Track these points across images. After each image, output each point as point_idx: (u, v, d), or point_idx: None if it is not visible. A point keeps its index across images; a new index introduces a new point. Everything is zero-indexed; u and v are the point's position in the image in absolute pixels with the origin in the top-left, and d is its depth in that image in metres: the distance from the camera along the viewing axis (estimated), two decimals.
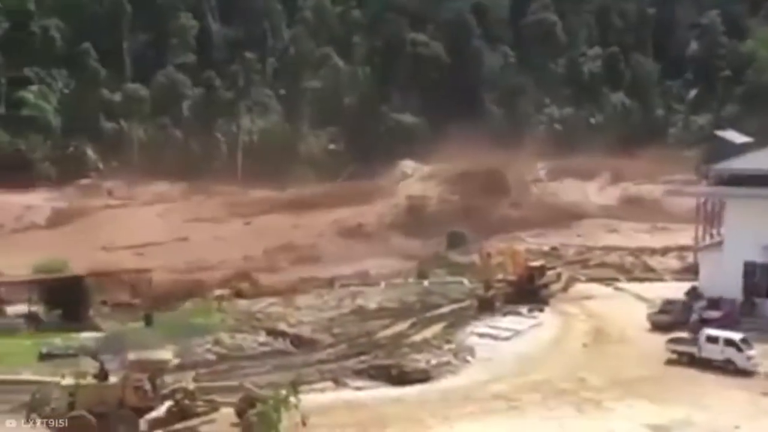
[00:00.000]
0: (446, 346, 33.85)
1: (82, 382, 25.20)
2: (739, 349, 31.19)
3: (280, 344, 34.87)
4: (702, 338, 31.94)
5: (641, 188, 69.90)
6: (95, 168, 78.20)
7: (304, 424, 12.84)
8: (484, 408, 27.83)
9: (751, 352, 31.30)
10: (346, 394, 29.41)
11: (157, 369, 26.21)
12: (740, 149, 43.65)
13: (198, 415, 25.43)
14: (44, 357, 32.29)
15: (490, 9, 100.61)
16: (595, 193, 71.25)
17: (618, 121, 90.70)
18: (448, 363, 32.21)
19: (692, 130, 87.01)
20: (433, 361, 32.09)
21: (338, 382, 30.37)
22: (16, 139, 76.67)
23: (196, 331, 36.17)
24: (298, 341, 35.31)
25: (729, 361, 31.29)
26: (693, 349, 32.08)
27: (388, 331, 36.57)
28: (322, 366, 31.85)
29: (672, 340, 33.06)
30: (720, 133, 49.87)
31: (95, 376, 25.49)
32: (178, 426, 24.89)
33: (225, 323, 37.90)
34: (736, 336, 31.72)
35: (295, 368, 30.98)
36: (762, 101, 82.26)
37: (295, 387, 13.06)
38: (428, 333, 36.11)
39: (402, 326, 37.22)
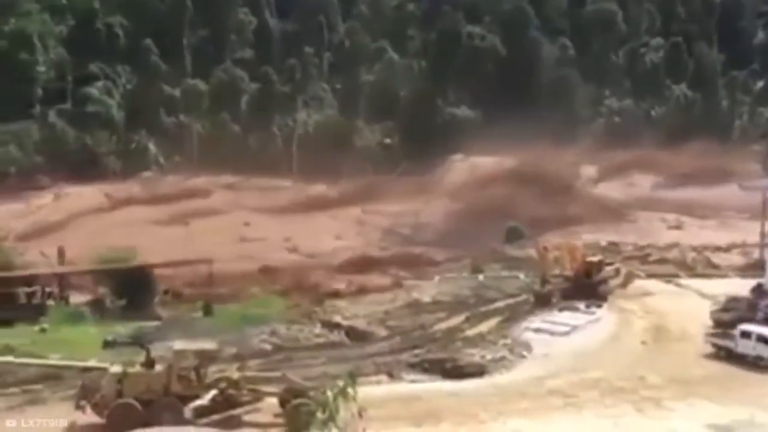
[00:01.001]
0: (501, 341, 33.63)
1: (130, 370, 25.79)
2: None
3: (335, 336, 35.16)
4: (737, 333, 31.49)
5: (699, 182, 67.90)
6: (156, 162, 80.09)
7: (360, 415, 12.92)
8: (540, 404, 27.54)
9: None
10: (400, 387, 29.51)
11: (202, 358, 26.40)
12: None
13: (242, 404, 25.76)
14: (108, 345, 33.28)
15: None
16: (651, 188, 69.50)
17: (680, 113, 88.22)
18: (503, 358, 31.99)
19: (759, 122, 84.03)
20: (488, 356, 31.92)
21: (393, 375, 30.48)
22: (82, 134, 79.12)
23: (253, 321, 36.76)
24: (353, 333, 35.56)
25: (759, 357, 30.83)
26: (731, 344, 31.56)
27: (443, 325, 36.51)
28: (376, 358, 31.99)
29: (712, 334, 32.53)
30: None
31: (142, 364, 26.06)
32: (223, 414, 25.22)
33: (283, 314, 38.41)
34: (761, 330, 31.16)
35: (349, 360, 31.20)
36: None
37: (353, 378, 13.16)
38: (483, 327, 35.91)
39: (456, 320, 37.11)
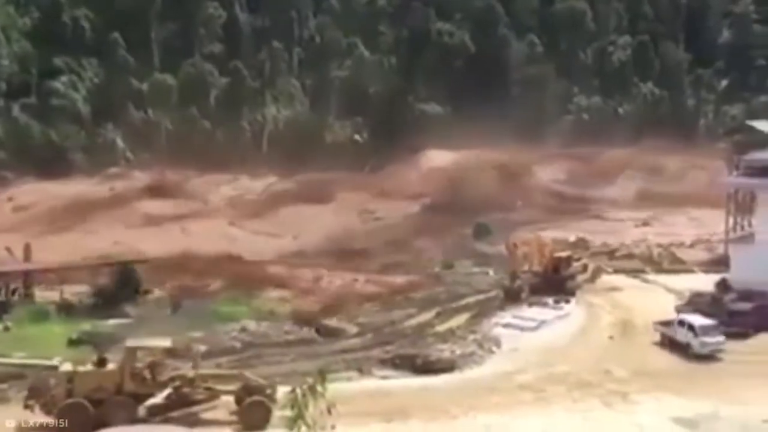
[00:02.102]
0: (471, 337, 33.82)
1: (80, 368, 25.32)
2: (695, 335, 31.48)
3: (306, 333, 35.07)
4: (676, 322, 32.54)
5: (665, 179, 68.93)
6: (124, 157, 79.04)
7: (330, 412, 12.90)
8: (509, 399, 27.76)
9: (709, 339, 31.42)
10: (370, 383, 29.53)
11: (156, 356, 26.11)
12: None
13: (198, 402, 25.52)
14: (73, 343, 32.77)
15: None
16: (621, 184, 70.30)
17: (647, 111, 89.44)
18: (473, 353, 32.18)
19: (723, 120, 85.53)
20: (458, 351, 32.08)
21: (363, 371, 30.50)
22: (47, 129, 77.74)
23: (223, 318, 36.50)
24: (324, 330, 35.48)
25: (688, 345, 31.79)
26: (671, 332, 32.60)
27: (413, 321, 36.60)
28: (347, 355, 31.99)
29: (659, 322, 33.35)
30: (752, 123, 49.02)
31: (94, 363, 25.64)
32: (178, 413, 24.99)
33: (253, 311, 38.18)
34: (699, 321, 32.18)
35: (320, 357, 31.14)
36: None
37: (323, 375, 13.12)
38: (453, 323, 36.08)
39: (427, 316, 37.23)
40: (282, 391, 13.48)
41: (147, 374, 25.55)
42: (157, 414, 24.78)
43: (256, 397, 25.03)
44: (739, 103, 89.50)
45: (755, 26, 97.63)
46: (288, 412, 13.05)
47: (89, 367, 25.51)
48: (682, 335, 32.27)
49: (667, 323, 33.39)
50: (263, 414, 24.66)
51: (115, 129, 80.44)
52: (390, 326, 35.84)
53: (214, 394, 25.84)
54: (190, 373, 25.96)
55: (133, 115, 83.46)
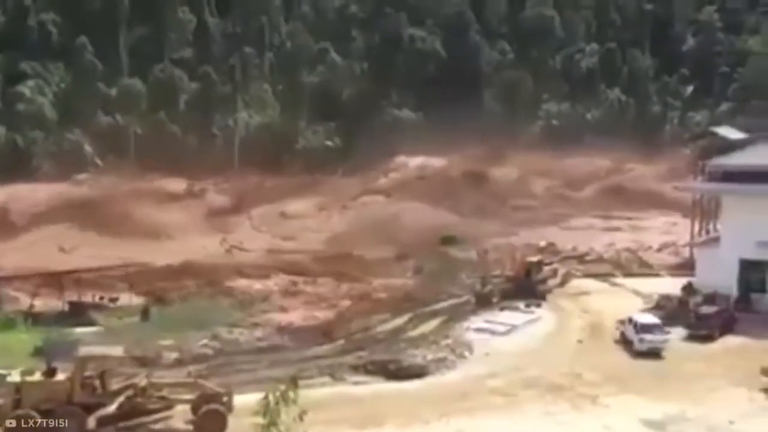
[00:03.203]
0: (443, 341, 33.94)
1: (28, 378, 24.81)
2: (636, 332, 32.51)
3: (278, 339, 34.93)
4: (627, 320, 33.74)
5: (632, 183, 69.95)
6: (92, 163, 78.08)
7: (302, 419, 12.92)
8: (481, 403, 27.93)
9: (648, 336, 32.37)
10: (343, 389, 29.51)
11: (107, 365, 25.59)
12: (736, 145, 43.82)
13: (151, 412, 25.19)
14: (39, 352, 32.24)
15: (489, 4, 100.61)
16: (589, 189, 71.18)
17: (614, 117, 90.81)
18: (445, 358, 32.30)
19: (688, 126, 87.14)
20: (430, 356, 32.19)
21: (336, 378, 30.47)
22: (12, 134, 76.51)
23: (194, 325, 36.20)
24: (296, 336, 35.36)
25: (632, 342, 32.90)
26: (624, 330, 33.78)
27: (386, 326, 36.66)
28: (319, 361, 31.94)
29: (619, 321, 34.43)
30: (716, 129, 50.03)
31: (43, 373, 25.14)
32: (130, 423, 24.61)
33: (224, 318, 37.94)
34: (642, 319, 33.37)
35: (292, 364, 31.04)
36: (757, 98, 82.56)
37: (295, 382, 13.15)
38: (425, 328, 36.22)
39: (399, 321, 37.31)
40: (254, 398, 13.43)
41: (97, 384, 25.07)
42: (108, 424, 24.33)
43: (212, 405, 24.79)
44: (703, 110, 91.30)
45: (719, 34, 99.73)
46: (260, 419, 13.04)
47: (38, 377, 24.98)
48: (629, 333, 33.25)
49: (621, 322, 34.50)
50: (219, 422, 24.51)
51: (83, 134, 79.45)
52: (362, 332, 35.86)
53: (169, 403, 25.49)
54: (143, 382, 25.58)
55: (102, 120, 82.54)
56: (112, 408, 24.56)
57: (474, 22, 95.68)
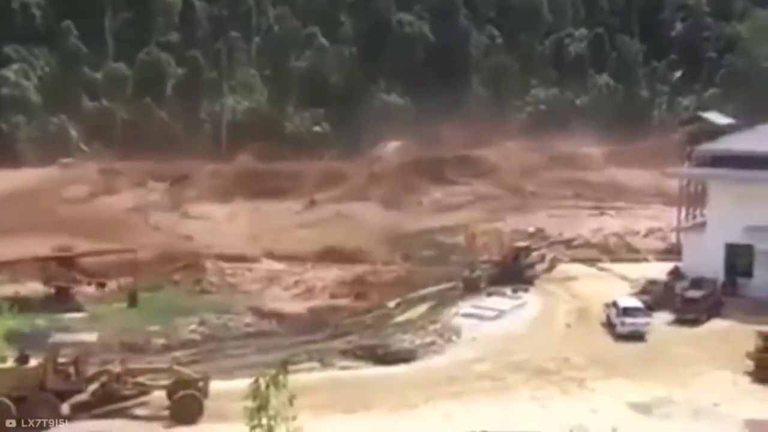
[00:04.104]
0: (431, 326, 34.06)
1: (0, 366, 24.74)
2: (618, 315, 32.90)
3: (266, 325, 34.93)
4: (611, 303, 34.07)
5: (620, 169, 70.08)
6: (78, 148, 77.43)
7: (291, 403, 12.95)
8: (469, 387, 28.08)
9: (629, 320, 32.68)
10: (331, 374, 29.58)
11: (81, 351, 25.52)
12: (723, 130, 44.01)
13: (126, 398, 25.15)
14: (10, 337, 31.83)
15: None
16: (576, 174, 71.11)
17: (604, 102, 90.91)
18: (433, 343, 32.44)
19: (677, 111, 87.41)
20: (418, 341, 32.31)
21: (324, 362, 30.52)
22: None
23: (182, 311, 36.11)
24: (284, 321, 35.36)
25: (613, 325, 33.25)
26: (609, 312, 34.11)
27: (374, 311, 36.69)
28: (308, 346, 31.97)
29: (606, 304, 34.74)
30: (703, 114, 50.19)
31: (16, 360, 25.01)
32: (105, 409, 24.53)
33: (211, 303, 37.86)
34: (624, 303, 33.75)
35: (280, 349, 31.05)
36: (745, 83, 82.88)
37: (285, 367, 13.19)
38: (414, 313, 36.29)
39: (388, 306, 37.35)
40: (244, 383, 13.45)
41: (71, 370, 24.94)
42: (82, 411, 24.26)
43: (187, 391, 24.79)
44: (691, 95, 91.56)
45: (707, 20, 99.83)
46: (250, 403, 13.05)
47: (10, 364, 24.84)
48: (612, 316, 33.53)
49: (606, 305, 34.77)
50: (195, 408, 24.55)
51: (68, 119, 78.73)
52: (351, 316, 35.89)
53: (144, 389, 25.47)
54: (117, 368, 25.51)
55: (87, 105, 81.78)
56: (86, 394, 24.42)
57: (462, 7, 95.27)
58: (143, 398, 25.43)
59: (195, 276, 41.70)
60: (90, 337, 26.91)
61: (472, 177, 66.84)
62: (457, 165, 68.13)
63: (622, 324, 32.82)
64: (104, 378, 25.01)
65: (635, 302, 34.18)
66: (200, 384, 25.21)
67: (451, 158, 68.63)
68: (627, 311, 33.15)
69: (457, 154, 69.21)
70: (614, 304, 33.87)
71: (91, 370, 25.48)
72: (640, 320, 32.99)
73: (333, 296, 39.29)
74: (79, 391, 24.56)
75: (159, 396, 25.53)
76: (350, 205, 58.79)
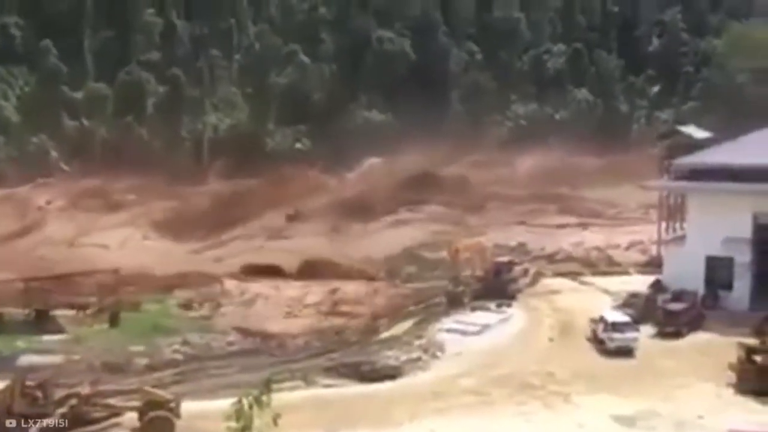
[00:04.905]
0: (416, 342, 34.01)
1: None
2: (606, 330, 32.88)
3: (250, 343, 34.69)
4: (598, 318, 33.91)
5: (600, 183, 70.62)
6: (58, 168, 76.86)
7: (275, 423, 12.87)
8: (454, 403, 28.01)
9: (618, 335, 32.54)
10: (315, 392, 29.40)
11: (48, 374, 25.26)
12: (701, 144, 44.56)
13: (96, 420, 24.77)
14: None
15: (456, 6, 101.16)
16: (557, 189, 71.61)
17: (582, 117, 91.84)
18: (418, 359, 32.37)
19: (655, 125, 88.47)
20: (403, 357, 32.22)
21: (308, 381, 30.34)
22: None
23: (164, 331, 35.81)
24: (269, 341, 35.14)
25: (601, 341, 33.06)
26: (596, 328, 33.95)
27: (359, 328, 36.58)
28: (291, 365, 31.78)
29: (592, 319, 34.61)
30: (681, 128, 50.81)
31: None
32: None
33: (194, 322, 37.57)
34: (612, 318, 33.60)
35: (264, 368, 30.84)
36: (720, 97, 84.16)
37: (268, 386, 13.12)
38: (398, 329, 36.23)
39: (373, 323, 37.23)
40: (227, 402, 13.35)
41: (39, 393, 24.44)
42: None
43: (159, 412, 24.52)
44: (669, 109, 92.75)
45: (683, 35, 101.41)
46: (233, 424, 12.96)
47: None
48: (600, 331, 33.40)
49: (596, 320, 34.62)
50: (167, 429, 24.25)
51: (48, 139, 78.19)
52: (335, 334, 35.75)
53: (115, 411, 25.09)
54: (86, 390, 25.09)
55: (67, 124, 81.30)
56: (54, 418, 24.01)
57: (441, 24, 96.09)
58: (114, 420, 25.04)
59: (182, 296, 41.41)
60: (56, 359, 26.45)
61: (445, 194, 66.55)
62: (431, 182, 67.98)
63: (611, 339, 32.54)
64: (73, 401, 24.56)
65: (623, 317, 33.89)
66: (172, 405, 24.94)
67: (427, 174, 68.56)
68: (615, 326, 32.87)
69: (431, 172, 69.09)
70: (601, 320, 33.62)
71: (60, 393, 25.07)
72: (629, 335, 32.77)
73: (318, 314, 39.12)
74: (48, 415, 24.07)
75: (131, 417, 25.17)
76: (331, 221, 58.78)
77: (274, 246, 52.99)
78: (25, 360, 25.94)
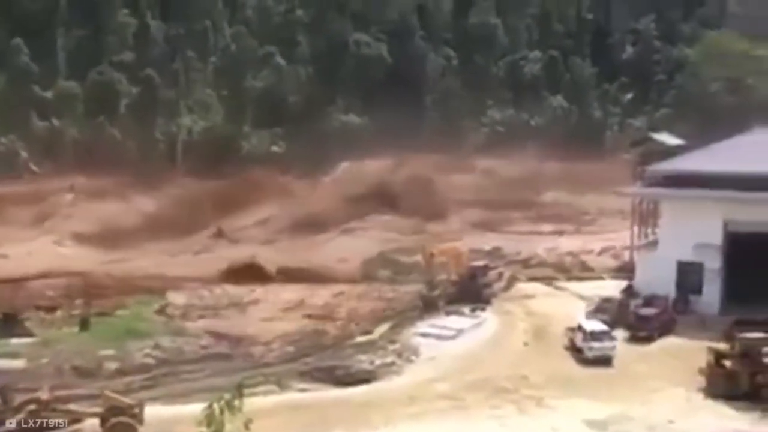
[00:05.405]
0: (391, 347, 33.94)
1: None
2: (585, 339, 32.73)
3: (223, 347, 34.37)
4: (577, 326, 33.83)
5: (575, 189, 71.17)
6: (27, 169, 75.64)
7: (247, 428, 12.69)
8: (428, 407, 28.00)
9: (597, 344, 32.47)
10: (290, 397, 29.20)
11: (7, 379, 24.90)
12: (673, 151, 45.12)
13: (57, 427, 24.39)
14: None
15: (433, 11, 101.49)
16: (530, 193, 71.93)
17: (558, 123, 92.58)
18: (392, 363, 32.31)
19: (628, 132, 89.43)
20: (378, 361, 32.14)
21: (282, 385, 30.12)
22: None
23: (135, 335, 35.34)
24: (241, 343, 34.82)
25: (579, 349, 32.96)
26: (574, 337, 33.83)
27: (333, 332, 36.41)
28: (265, 369, 31.53)
29: (569, 328, 34.56)
30: (654, 135, 51.41)
31: None
32: None
33: (166, 326, 37.12)
34: (590, 327, 33.38)
35: (237, 372, 30.55)
36: (692, 105, 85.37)
37: (240, 390, 12.92)
38: (373, 333, 36.11)
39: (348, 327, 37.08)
40: (198, 407, 13.14)
41: None
42: None
43: (121, 418, 24.21)
44: (641, 116, 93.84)
45: (656, 43, 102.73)
46: (204, 429, 12.74)
47: None
48: (579, 340, 33.24)
49: (573, 329, 34.45)
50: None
51: (18, 140, 76.94)
52: (309, 338, 35.54)
53: (76, 417, 24.69)
54: (45, 396, 24.72)
55: (37, 124, 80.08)
56: (12, 424, 23.61)
57: (418, 29, 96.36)
58: (75, 426, 24.64)
59: (154, 300, 40.89)
60: (17, 364, 25.97)
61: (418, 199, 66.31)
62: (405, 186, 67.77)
63: (589, 349, 32.42)
64: (32, 406, 24.17)
65: (601, 326, 33.74)
66: (135, 410, 24.62)
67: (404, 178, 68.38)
68: (593, 335, 32.72)
69: (407, 175, 68.89)
70: (579, 328, 33.47)
71: (20, 398, 24.58)
72: (607, 344, 32.70)
73: (292, 317, 38.88)
74: (6, 420, 23.68)
75: (92, 423, 24.78)
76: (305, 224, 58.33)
77: (207, 257, 51.54)
78: None
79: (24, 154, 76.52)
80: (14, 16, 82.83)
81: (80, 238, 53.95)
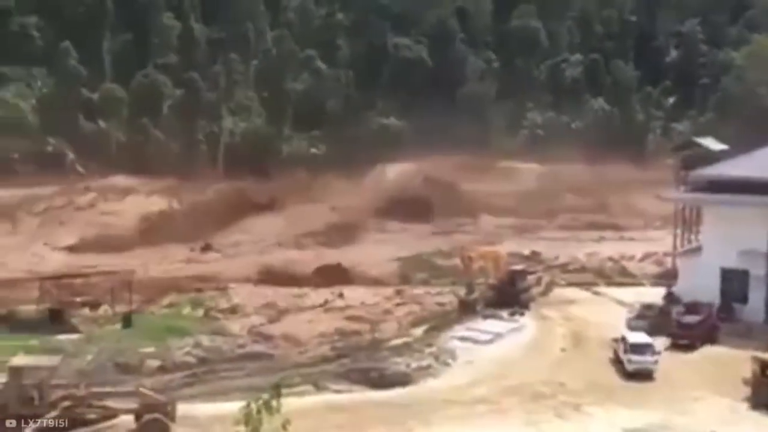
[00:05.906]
0: (427, 350, 33.90)
1: None
2: (626, 352, 31.64)
3: (261, 347, 34.75)
4: (620, 338, 32.86)
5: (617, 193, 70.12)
6: (74, 169, 77.48)
7: (285, 428, 12.83)
8: (465, 412, 27.91)
9: (636, 357, 31.35)
10: (326, 398, 29.38)
11: (44, 375, 25.03)
12: (718, 156, 44.27)
13: (91, 422, 24.77)
14: None
15: (474, 14, 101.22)
16: (571, 198, 71.15)
17: (599, 126, 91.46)
18: (429, 366, 32.27)
19: (671, 136, 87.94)
20: (414, 365, 32.14)
21: (318, 386, 30.32)
22: None
23: (176, 332, 35.93)
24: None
25: (620, 362, 32.01)
26: (617, 348, 32.90)
27: (369, 334, 36.52)
28: (302, 369, 31.78)
29: (614, 339, 33.65)
30: (698, 139, 50.49)
31: None
32: None
33: (206, 325, 37.68)
34: (632, 339, 32.19)
35: (275, 371, 30.86)
36: (737, 109, 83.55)
37: (278, 390, 13.08)
38: (410, 336, 36.13)
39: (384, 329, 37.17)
40: (236, 406, 13.35)
41: (35, 394, 24.53)
42: None
43: (154, 415, 24.52)
44: (685, 120, 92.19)
45: (701, 46, 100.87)
46: (242, 428, 12.94)
47: None
48: (621, 352, 32.37)
49: (617, 339, 33.47)
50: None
51: (66, 141, 78.86)
52: (346, 340, 35.73)
53: (111, 413, 25.10)
54: (81, 392, 25.13)
55: (84, 126, 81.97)
56: (48, 419, 24.01)
57: (458, 32, 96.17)
58: (110, 422, 25.06)
59: (201, 299, 41.57)
60: (52, 361, 26.50)
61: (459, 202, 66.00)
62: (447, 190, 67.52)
63: (629, 362, 31.39)
64: (68, 402, 24.61)
65: (644, 338, 32.51)
66: (168, 408, 24.94)
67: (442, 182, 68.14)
68: (634, 348, 31.63)
69: (446, 179, 68.65)
70: (623, 340, 32.42)
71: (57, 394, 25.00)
72: (649, 358, 31.55)
73: (329, 319, 39.13)
74: (43, 416, 24.11)
75: (126, 420, 25.18)
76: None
77: (240, 258, 51.52)
78: (17, 360, 25.85)
79: (71, 155, 78.40)
80: (63, 21, 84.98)
81: (122, 238, 55.13)
